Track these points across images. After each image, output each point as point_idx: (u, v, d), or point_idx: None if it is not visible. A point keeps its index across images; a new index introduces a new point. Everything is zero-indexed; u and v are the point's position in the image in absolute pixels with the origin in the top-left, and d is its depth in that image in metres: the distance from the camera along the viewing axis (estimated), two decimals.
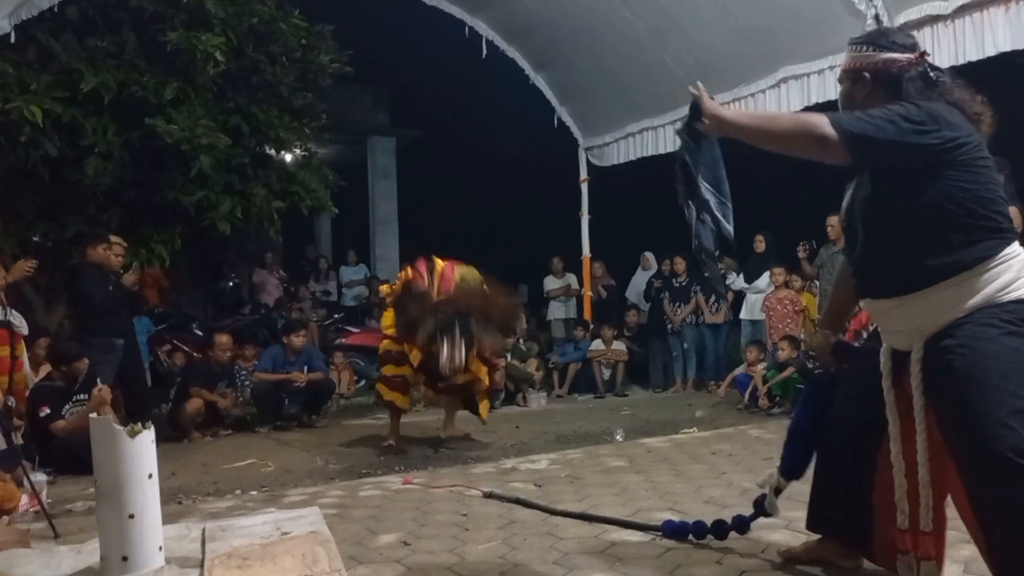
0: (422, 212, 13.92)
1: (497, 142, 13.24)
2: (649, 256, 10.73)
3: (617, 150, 9.98)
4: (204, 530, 2.56)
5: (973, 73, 7.00)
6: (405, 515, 3.88)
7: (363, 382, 9.61)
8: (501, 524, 3.63)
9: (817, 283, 8.34)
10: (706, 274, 2.54)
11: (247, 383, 8.08)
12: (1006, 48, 6.23)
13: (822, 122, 2.20)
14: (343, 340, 10.01)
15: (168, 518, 3.78)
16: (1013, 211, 7.63)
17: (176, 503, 4.37)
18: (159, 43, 7.21)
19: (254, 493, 4.62)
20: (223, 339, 7.54)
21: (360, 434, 6.70)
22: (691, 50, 8.37)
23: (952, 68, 6.59)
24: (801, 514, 2.91)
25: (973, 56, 6.41)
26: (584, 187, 10.43)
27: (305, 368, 7.55)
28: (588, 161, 10.41)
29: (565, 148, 10.59)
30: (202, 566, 2.24)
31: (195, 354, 8.75)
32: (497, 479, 4.67)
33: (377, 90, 13.61)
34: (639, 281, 10.76)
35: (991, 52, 6.32)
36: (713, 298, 9.16)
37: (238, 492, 4.65)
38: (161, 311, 9.72)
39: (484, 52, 9.38)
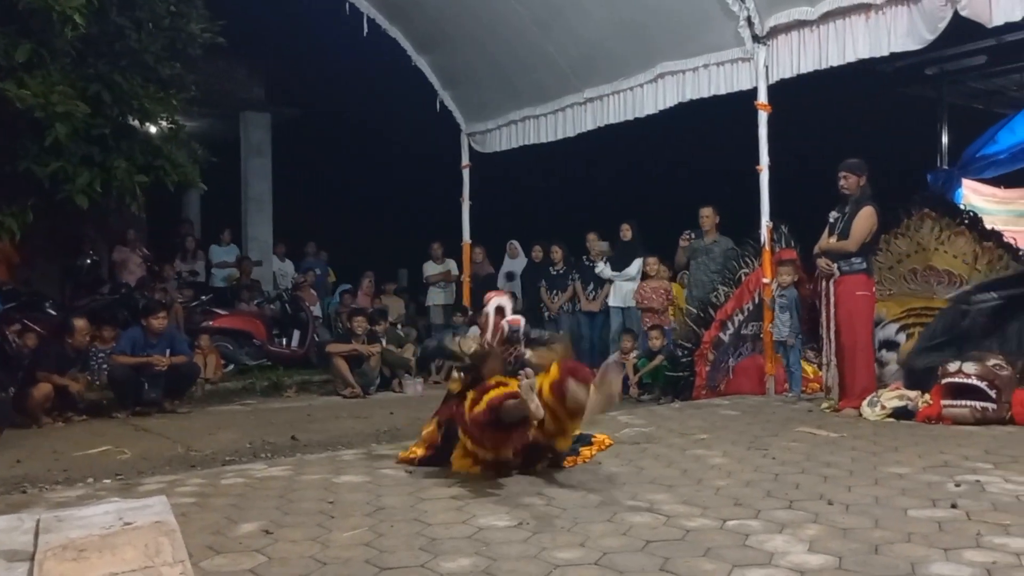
0: (298, 192, 13.53)
1: (378, 124, 13.01)
2: (515, 244, 10.79)
3: (499, 137, 10.00)
4: (38, 521, 2.37)
5: (835, 77, 7.41)
6: (269, 503, 3.75)
7: (231, 367, 9.28)
8: (369, 511, 3.57)
9: (688, 273, 8.58)
10: None
11: (104, 366, 7.65)
12: (865, 55, 6.60)
13: None
14: (210, 323, 9.62)
15: (9, 508, 3.54)
16: (707, 211, 8.16)
17: (20, 492, 4.09)
18: (10, 2, 6.68)
19: (107, 482, 4.37)
20: (80, 323, 7.12)
21: (226, 421, 6.47)
22: (574, 42, 8.48)
23: (815, 72, 6.99)
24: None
25: (835, 61, 6.75)
26: (465, 173, 10.41)
27: (168, 351, 7.22)
28: (470, 147, 10.38)
29: (447, 133, 10.52)
30: (33, 559, 2.07)
31: (47, 335, 8.20)
32: (366, 465, 4.59)
33: (252, 63, 13.07)
34: (508, 269, 10.80)
35: (851, 58, 6.68)
36: (591, 286, 9.33)
37: (90, 480, 4.39)
38: (11, 289, 9.07)
39: (365, 30, 9.19)
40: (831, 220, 6.47)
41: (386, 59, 10.01)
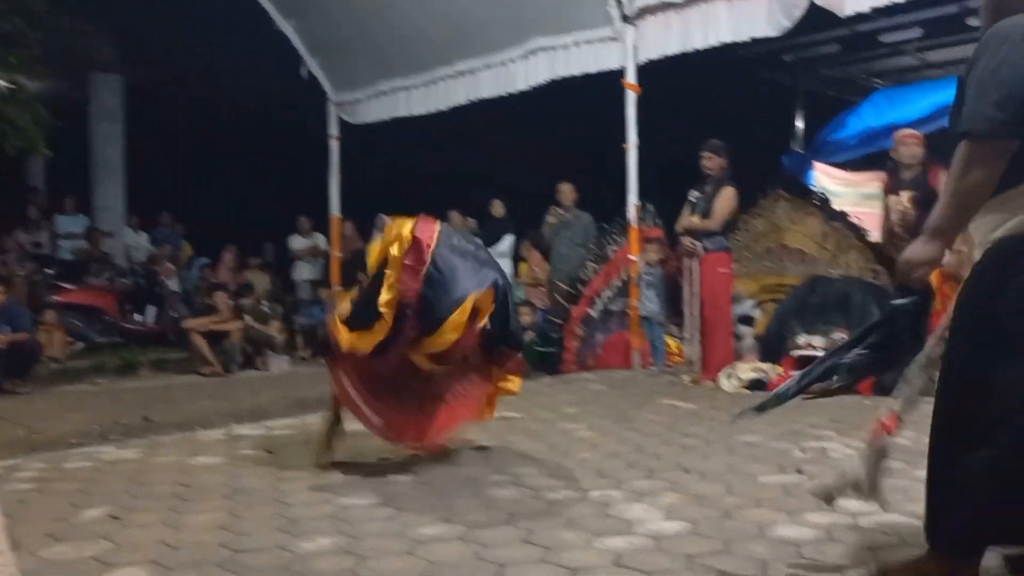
0: (154, 160, 12.78)
1: (240, 90, 12.42)
2: (385, 219, 10.63)
3: (369, 108, 9.78)
4: None
5: (700, 60, 7.63)
6: (117, 487, 3.54)
7: (80, 344, 8.73)
8: (226, 493, 3.42)
9: (552, 248, 8.67)
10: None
11: None
12: (727, 40, 6.81)
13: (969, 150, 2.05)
14: (57, 298, 8.99)
15: None
16: (566, 187, 8.48)
17: None
18: None
19: None
20: None
21: (73, 402, 6.07)
22: (446, 12, 8.36)
23: (682, 55, 7.17)
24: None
25: (699, 44, 6.94)
26: (333, 144, 10.12)
27: (8, 328, 6.71)
28: (339, 118, 10.10)
29: (314, 102, 10.19)
30: None
31: None
32: (225, 446, 4.40)
33: (103, 22, 12.20)
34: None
35: (714, 42, 6.88)
36: None
37: None
38: None
39: None
40: (692, 199, 6.69)
41: (249, 22, 9.58)
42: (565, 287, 7.98)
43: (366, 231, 11.03)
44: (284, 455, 4.16)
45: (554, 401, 5.68)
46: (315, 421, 5.19)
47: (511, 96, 8.46)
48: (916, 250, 2.20)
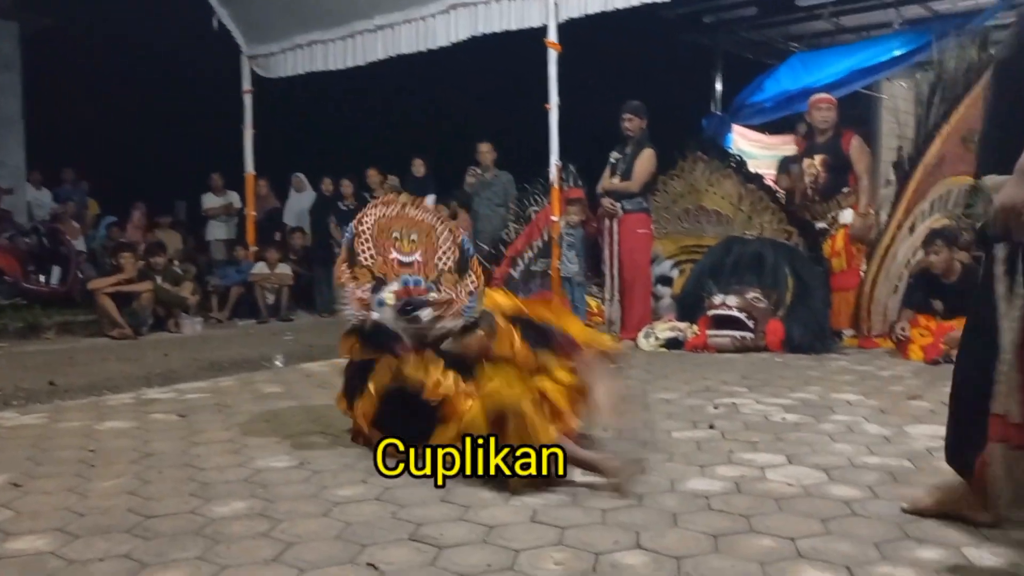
0: (56, 113, 12.14)
1: (148, 41, 11.87)
2: (301, 177, 10.39)
3: (284, 62, 9.47)
4: None
5: (622, 21, 7.62)
6: (19, 454, 3.40)
7: None
8: (135, 458, 3.32)
9: (472, 209, 8.62)
10: None
11: None
12: (636, 3, 6.82)
13: None
14: None
15: None
16: (485, 147, 8.52)
17: None
18: None
19: None
20: None
21: None
22: None
23: (603, 14, 7.14)
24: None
25: (621, 4, 6.92)
26: (247, 98, 9.79)
27: None
28: (252, 71, 9.76)
29: (226, 55, 9.82)
30: None
31: None
32: (135, 411, 4.27)
33: None
34: (296, 204, 10.42)
35: (635, 2, 6.88)
36: None
37: None
38: None
39: None
40: (612, 160, 6.73)
41: None
42: (486, 247, 7.96)
43: (282, 189, 10.78)
44: (196, 419, 4.06)
45: None
46: (229, 384, 5.11)
47: (431, 52, 8.31)
48: (1013, 194, 2.05)
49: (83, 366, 5.69)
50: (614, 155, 6.74)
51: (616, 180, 6.65)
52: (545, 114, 7.49)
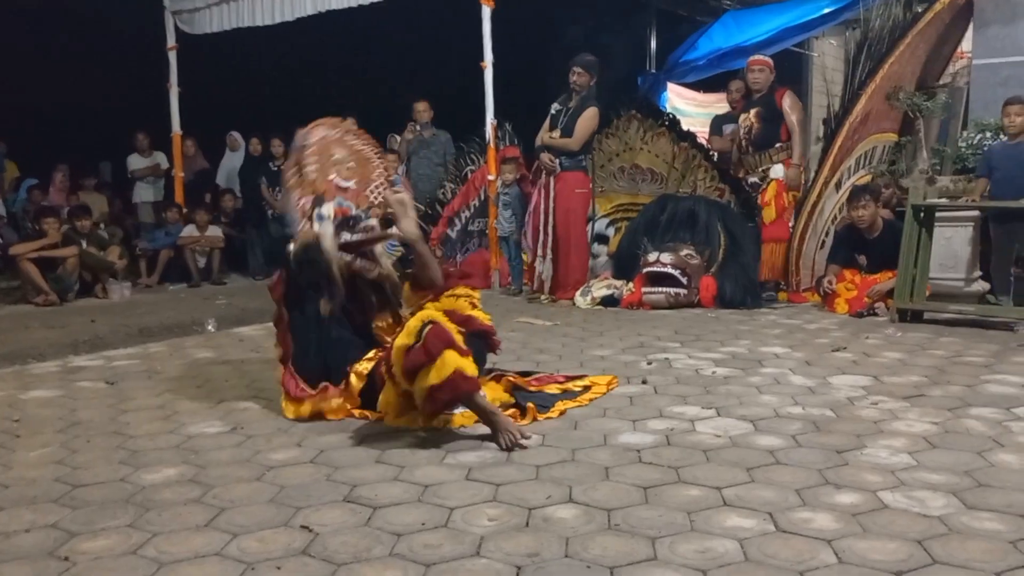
0: None
1: None
2: (236, 136, 10.11)
3: (209, 17, 9.14)
4: None
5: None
6: None
7: None
8: (61, 427, 3.25)
9: (409, 167, 8.48)
10: None
11: None
12: None
13: None
14: None
15: None
16: (422, 105, 8.45)
17: None
18: None
19: None
20: None
21: None
22: None
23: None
24: None
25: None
26: (172, 55, 9.45)
27: None
28: (176, 27, 9.42)
29: (150, 9, 9.44)
30: None
31: None
32: (61, 379, 4.17)
33: None
34: (229, 163, 10.14)
35: None
36: None
37: None
38: None
39: None
40: (553, 112, 6.70)
41: None
42: (423, 207, 7.89)
43: (212, 149, 10.48)
44: (125, 386, 3.98)
45: None
46: (159, 349, 5.01)
47: (364, 8, 8.12)
48: None
49: (6, 334, 5.49)
50: (555, 107, 6.71)
51: (556, 135, 6.62)
52: (481, 72, 7.43)
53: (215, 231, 9.05)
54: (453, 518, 2.23)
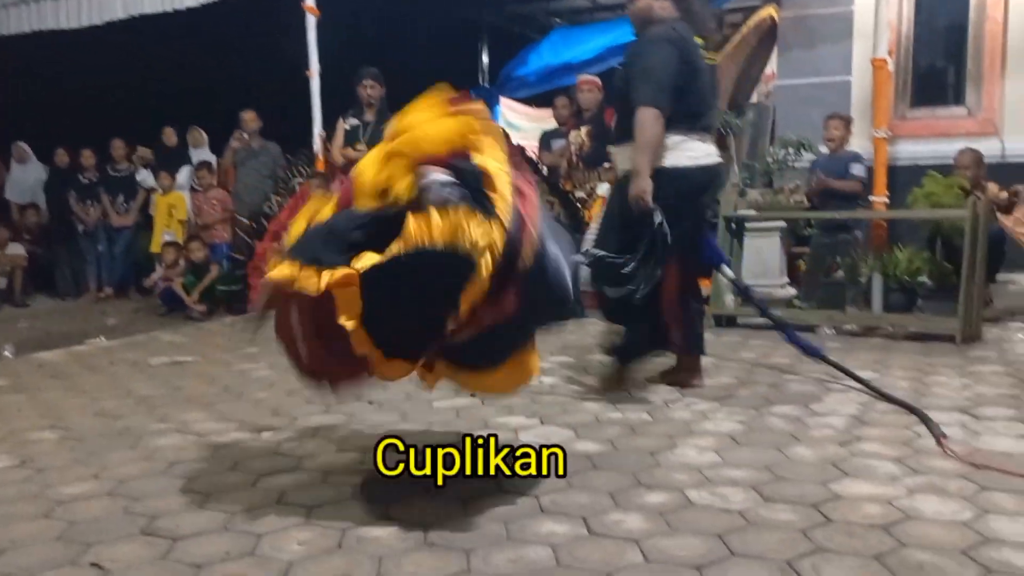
0: None
1: None
2: (23, 147, 9.26)
3: (8, 18, 8.45)
4: None
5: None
6: None
7: None
8: None
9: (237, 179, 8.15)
10: None
11: None
12: None
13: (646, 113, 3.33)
14: None
15: None
16: (249, 115, 8.36)
17: None
18: None
19: None
20: None
21: None
22: None
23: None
24: None
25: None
26: None
27: None
28: None
29: None
30: None
31: None
32: None
33: None
34: (21, 176, 9.26)
35: None
36: (121, 198, 8.52)
37: None
38: None
39: None
40: (348, 128, 6.58)
41: None
42: (247, 221, 7.58)
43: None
44: None
45: (234, 341, 5.43)
46: None
47: (181, 15, 7.74)
48: (636, 186, 3.32)
49: None
50: (351, 122, 6.61)
51: (363, 148, 6.52)
52: (307, 81, 7.26)
53: (16, 249, 8.34)
54: (261, 545, 2.12)
